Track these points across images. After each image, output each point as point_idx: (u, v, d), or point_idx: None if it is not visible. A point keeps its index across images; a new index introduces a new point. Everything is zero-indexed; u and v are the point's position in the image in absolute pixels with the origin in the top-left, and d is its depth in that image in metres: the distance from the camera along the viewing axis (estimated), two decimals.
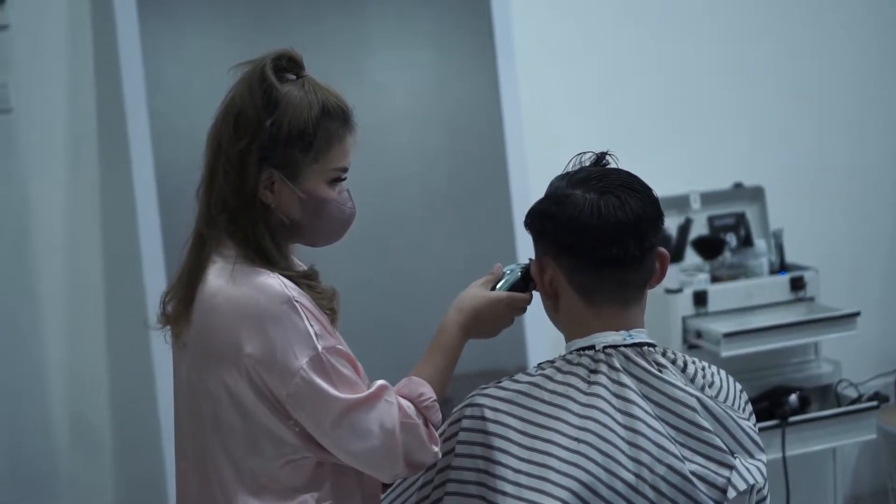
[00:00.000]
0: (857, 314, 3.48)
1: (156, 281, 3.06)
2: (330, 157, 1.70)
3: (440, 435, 1.69)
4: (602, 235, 1.61)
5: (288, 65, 1.71)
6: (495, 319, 1.80)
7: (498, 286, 1.82)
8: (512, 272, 1.83)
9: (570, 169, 1.72)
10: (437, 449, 1.66)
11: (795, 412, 3.40)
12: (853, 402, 3.53)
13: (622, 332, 1.66)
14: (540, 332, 3.37)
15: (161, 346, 3.02)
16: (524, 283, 1.82)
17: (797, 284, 3.59)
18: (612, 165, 1.73)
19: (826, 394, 3.63)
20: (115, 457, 3.31)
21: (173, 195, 3.09)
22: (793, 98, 3.97)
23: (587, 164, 1.72)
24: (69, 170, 3.22)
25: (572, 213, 1.62)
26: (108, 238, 3.25)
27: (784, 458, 3.31)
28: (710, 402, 1.61)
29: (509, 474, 1.56)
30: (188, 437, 1.73)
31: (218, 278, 1.66)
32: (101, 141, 3.23)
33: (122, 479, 3.32)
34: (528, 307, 1.84)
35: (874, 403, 3.46)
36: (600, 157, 1.73)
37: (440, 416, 1.70)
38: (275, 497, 1.65)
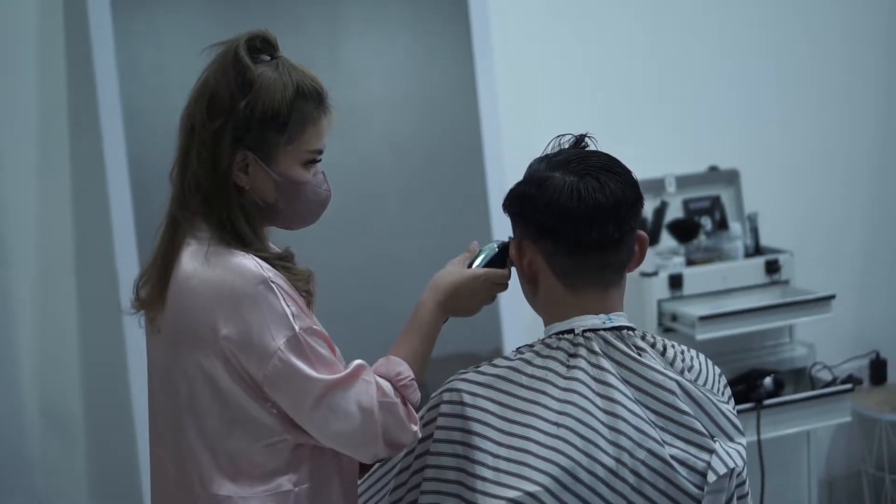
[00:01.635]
0: (831, 297, 3.49)
1: (128, 265, 3.03)
2: (304, 138, 1.69)
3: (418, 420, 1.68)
4: (582, 218, 1.59)
5: (262, 45, 1.69)
6: (472, 296, 1.79)
7: (475, 263, 1.80)
8: (489, 249, 1.81)
9: (549, 151, 1.71)
10: (416, 428, 1.65)
11: (770, 395, 3.41)
12: (827, 384, 3.54)
13: (601, 315, 1.65)
14: (515, 316, 3.36)
15: (134, 331, 3.00)
16: (502, 259, 1.80)
17: (772, 267, 3.59)
18: (592, 148, 1.72)
19: (800, 377, 3.64)
20: (87, 441, 3.28)
21: (146, 178, 3.05)
22: (768, 81, 3.97)
23: (566, 146, 1.71)
24: (40, 152, 3.18)
25: (552, 195, 1.61)
26: (80, 222, 3.21)
27: (759, 442, 3.31)
28: (689, 386, 1.61)
29: (489, 459, 1.55)
30: (164, 422, 1.71)
31: (192, 261, 1.65)
32: (72, 124, 3.18)
33: (95, 464, 3.29)
34: (506, 290, 1.82)
35: (849, 386, 3.47)
36: (579, 140, 1.72)
37: (419, 395, 1.69)
38: (252, 481, 1.64)
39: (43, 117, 3.18)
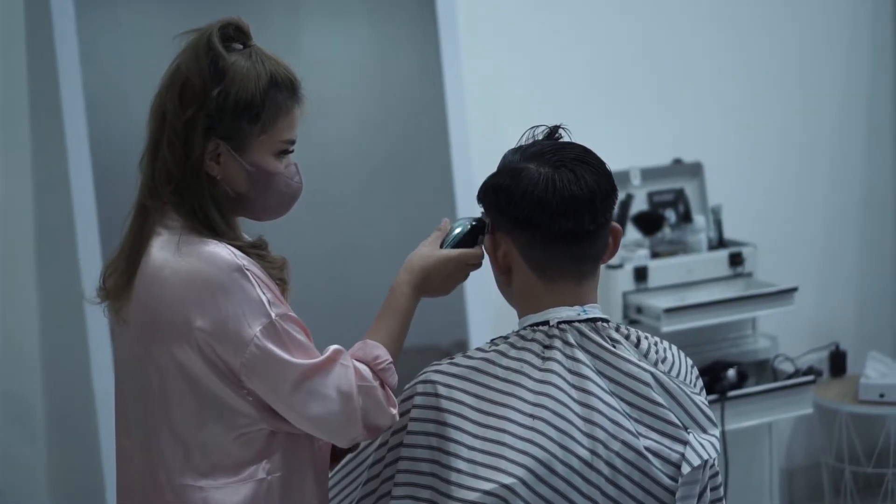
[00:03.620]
0: (794, 290, 3.52)
1: (90, 254, 3.00)
2: (277, 128, 1.68)
3: None
4: (557, 210, 1.59)
5: (235, 34, 1.68)
6: (446, 277, 1.79)
7: (447, 242, 1.80)
8: (461, 226, 1.80)
9: (523, 142, 1.70)
10: (394, 411, 1.65)
11: (734, 387, 3.44)
12: (790, 376, 3.57)
13: (576, 307, 1.64)
14: (481, 309, 3.36)
15: (96, 322, 2.99)
16: (473, 237, 1.79)
17: (735, 260, 3.62)
18: (565, 139, 1.71)
19: (763, 368, 3.67)
20: (47, 432, 3.24)
21: (107, 166, 3.02)
22: (731, 75, 3.99)
23: (540, 137, 1.71)
24: (0, 141, 3.13)
25: (527, 187, 1.60)
26: (41, 210, 3.17)
27: (723, 433, 3.34)
28: (663, 378, 1.61)
29: (464, 452, 1.54)
30: (132, 414, 1.69)
31: (163, 251, 1.63)
32: (34, 111, 3.14)
33: (55, 455, 3.25)
34: (471, 280, 1.82)
35: (811, 378, 3.50)
36: (553, 131, 1.72)
37: (396, 378, 1.69)
38: (225, 471, 1.63)
39: (3, 105, 3.13)
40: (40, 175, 3.16)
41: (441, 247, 1.80)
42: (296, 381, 1.59)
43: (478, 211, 1.77)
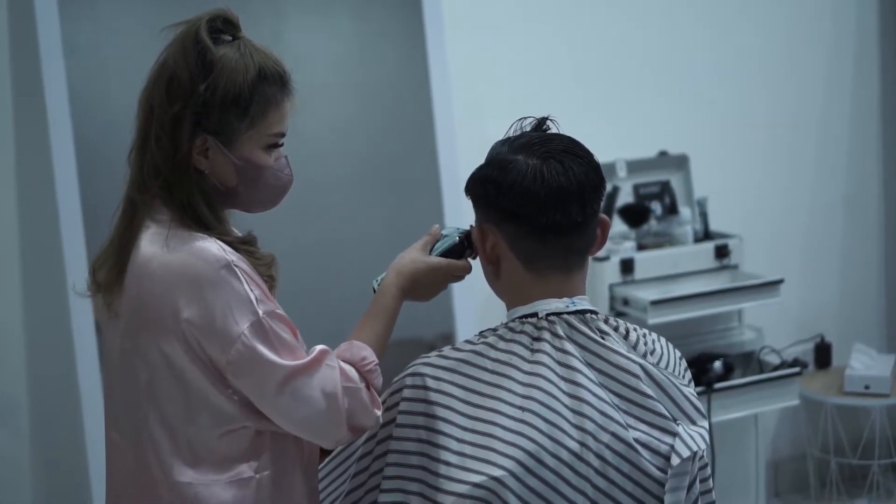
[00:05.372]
0: (780, 281, 3.53)
1: (75, 250, 2.98)
2: (266, 122, 1.67)
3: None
4: (545, 201, 1.59)
5: (223, 26, 1.67)
6: (432, 285, 1.80)
7: (435, 249, 1.80)
8: (450, 236, 1.81)
9: (510, 134, 1.70)
10: (379, 413, 1.65)
11: (720, 379, 3.44)
12: (776, 368, 3.58)
13: (564, 299, 1.64)
14: (467, 300, 3.35)
15: (81, 317, 2.97)
16: (461, 249, 1.80)
17: (721, 252, 3.62)
18: (553, 131, 1.71)
19: (749, 360, 3.68)
20: (32, 430, 3.22)
21: (92, 161, 3.01)
22: (717, 67, 4.00)
23: (528, 129, 1.70)
24: None
25: (515, 178, 1.60)
26: (25, 206, 3.15)
27: (710, 425, 3.33)
28: (652, 370, 1.61)
29: (453, 444, 1.54)
30: (121, 408, 1.69)
31: (152, 244, 1.62)
32: (17, 104, 3.12)
33: (39, 453, 3.24)
34: (462, 280, 1.83)
35: (797, 370, 3.51)
36: (541, 122, 1.71)
37: (381, 380, 1.69)
38: (212, 468, 1.62)
39: None
40: (24, 169, 3.14)
41: (430, 253, 1.80)
42: (281, 381, 1.58)
43: (464, 205, 1.77)
